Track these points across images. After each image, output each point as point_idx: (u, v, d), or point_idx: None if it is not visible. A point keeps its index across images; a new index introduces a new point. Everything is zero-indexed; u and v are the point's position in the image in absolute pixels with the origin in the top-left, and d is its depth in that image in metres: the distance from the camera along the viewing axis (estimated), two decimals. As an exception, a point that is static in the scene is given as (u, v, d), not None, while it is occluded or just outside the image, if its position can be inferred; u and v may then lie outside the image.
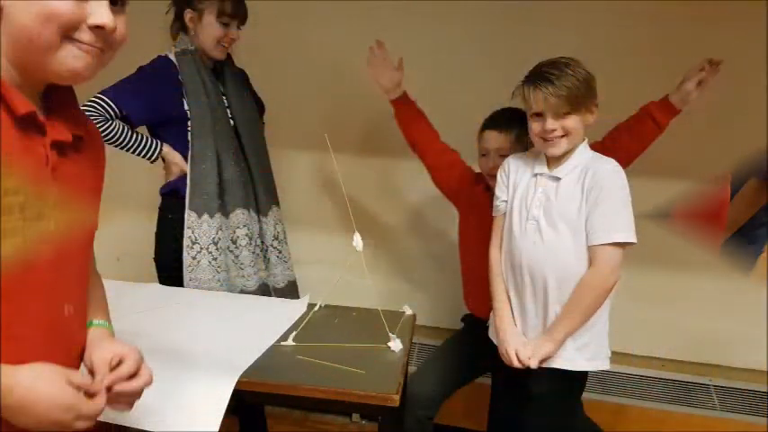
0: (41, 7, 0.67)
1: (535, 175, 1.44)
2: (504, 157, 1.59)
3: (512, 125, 1.63)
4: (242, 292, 1.77)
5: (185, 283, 1.69)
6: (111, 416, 0.90)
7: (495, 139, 1.65)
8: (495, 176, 1.59)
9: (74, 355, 0.85)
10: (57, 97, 0.79)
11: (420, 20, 2.12)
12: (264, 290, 1.83)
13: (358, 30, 2.01)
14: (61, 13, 0.68)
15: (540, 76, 1.35)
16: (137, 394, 0.86)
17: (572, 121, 1.35)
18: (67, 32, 0.69)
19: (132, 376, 0.84)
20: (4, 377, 0.68)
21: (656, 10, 1.96)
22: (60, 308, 0.79)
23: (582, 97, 1.33)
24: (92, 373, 0.83)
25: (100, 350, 0.85)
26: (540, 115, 1.37)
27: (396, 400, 1.10)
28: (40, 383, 0.71)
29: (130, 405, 0.86)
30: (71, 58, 0.71)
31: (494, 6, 2.06)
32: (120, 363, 0.84)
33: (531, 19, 2.04)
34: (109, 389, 0.81)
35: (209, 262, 1.69)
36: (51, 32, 0.68)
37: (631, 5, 1.96)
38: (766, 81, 1.95)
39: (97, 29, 0.71)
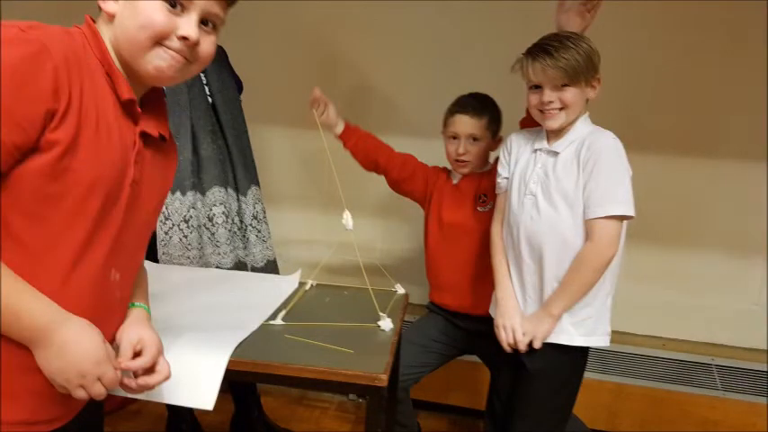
0: (142, 18, 0.83)
1: (535, 150, 1.42)
2: (475, 141, 1.62)
3: (483, 111, 1.64)
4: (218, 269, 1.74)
5: (159, 258, 1.67)
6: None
7: (466, 123, 1.64)
8: (460, 162, 1.64)
9: (109, 320, 0.91)
10: (151, 102, 0.94)
11: (421, 19, 2.09)
12: (241, 268, 1.81)
13: (342, 2, 1.96)
14: (156, 24, 0.83)
15: (539, 48, 1.33)
16: (150, 388, 0.94)
17: (570, 94, 1.32)
18: (160, 40, 0.84)
19: (148, 369, 0.92)
20: (59, 314, 0.79)
21: (656, 10, 1.94)
22: (108, 270, 0.88)
23: (581, 69, 1.29)
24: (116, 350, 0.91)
25: (131, 331, 0.94)
26: (538, 87, 1.34)
27: (383, 379, 1.07)
28: (85, 333, 0.81)
29: (140, 391, 0.94)
30: (157, 58, 0.85)
31: (496, 5, 2.05)
32: (140, 352, 0.92)
33: (532, 17, 1.99)
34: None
35: (180, 239, 1.68)
36: (146, 38, 0.83)
37: (632, 5, 1.94)
38: (766, 81, 1.94)
39: (183, 39, 0.85)
